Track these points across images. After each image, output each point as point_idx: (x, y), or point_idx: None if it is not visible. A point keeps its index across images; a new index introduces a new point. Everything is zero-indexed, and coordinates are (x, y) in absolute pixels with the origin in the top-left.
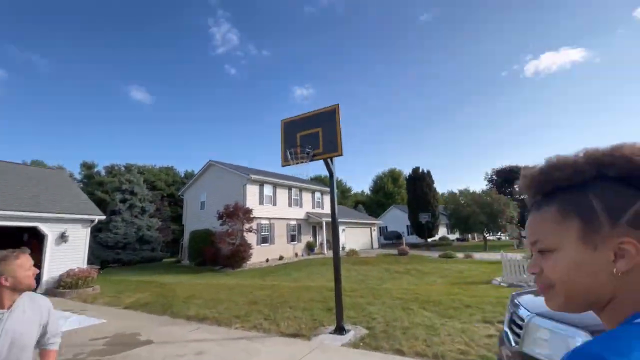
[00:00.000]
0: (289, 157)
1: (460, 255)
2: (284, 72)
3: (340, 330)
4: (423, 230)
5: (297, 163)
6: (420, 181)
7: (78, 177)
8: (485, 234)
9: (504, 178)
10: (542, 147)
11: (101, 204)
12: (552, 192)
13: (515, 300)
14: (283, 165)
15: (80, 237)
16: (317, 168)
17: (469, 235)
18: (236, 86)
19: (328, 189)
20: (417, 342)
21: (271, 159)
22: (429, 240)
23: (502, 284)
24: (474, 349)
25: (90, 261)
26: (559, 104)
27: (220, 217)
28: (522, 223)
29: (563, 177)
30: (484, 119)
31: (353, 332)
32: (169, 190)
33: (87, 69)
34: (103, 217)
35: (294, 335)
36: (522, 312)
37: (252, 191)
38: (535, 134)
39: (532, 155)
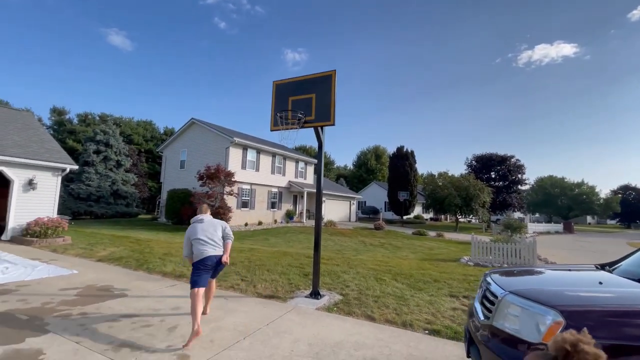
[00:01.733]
0: (279, 121)
1: (432, 233)
2: (278, 31)
3: (315, 294)
4: (400, 207)
5: (287, 129)
6: (403, 160)
7: (47, 122)
8: (457, 215)
9: (483, 164)
10: (523, 137)
11: (72, 154)
12: None
13: (488, 278)
14: (272, 130)
15: (50, 186)
16: (301, 138)
17: (442, 216)
18: (224, 41)
19: (311, 160)
20: (387, 310)
21: (255, 124)
22: (405, 217)
23: (469, 262)
24: (439, 319)
25: (60, 212)
26: (546, 96)
27: (200, 177)
28: (493, 209)
29: None
30: (471, 104)
31: (328, 297)
32: (146, 146)
33: (60, 3)
34: (76, 167)
35: (270, 297)
36: (495, 288)
37: (235, 154)
38: (519, 124)
39: (512, 145)
